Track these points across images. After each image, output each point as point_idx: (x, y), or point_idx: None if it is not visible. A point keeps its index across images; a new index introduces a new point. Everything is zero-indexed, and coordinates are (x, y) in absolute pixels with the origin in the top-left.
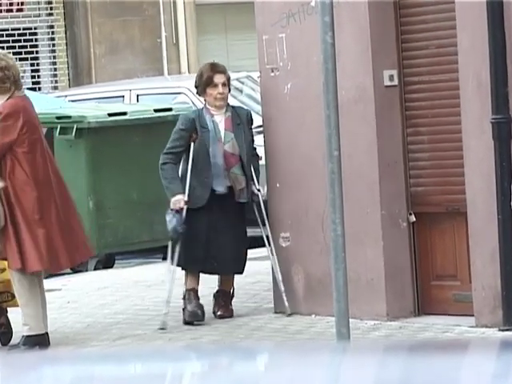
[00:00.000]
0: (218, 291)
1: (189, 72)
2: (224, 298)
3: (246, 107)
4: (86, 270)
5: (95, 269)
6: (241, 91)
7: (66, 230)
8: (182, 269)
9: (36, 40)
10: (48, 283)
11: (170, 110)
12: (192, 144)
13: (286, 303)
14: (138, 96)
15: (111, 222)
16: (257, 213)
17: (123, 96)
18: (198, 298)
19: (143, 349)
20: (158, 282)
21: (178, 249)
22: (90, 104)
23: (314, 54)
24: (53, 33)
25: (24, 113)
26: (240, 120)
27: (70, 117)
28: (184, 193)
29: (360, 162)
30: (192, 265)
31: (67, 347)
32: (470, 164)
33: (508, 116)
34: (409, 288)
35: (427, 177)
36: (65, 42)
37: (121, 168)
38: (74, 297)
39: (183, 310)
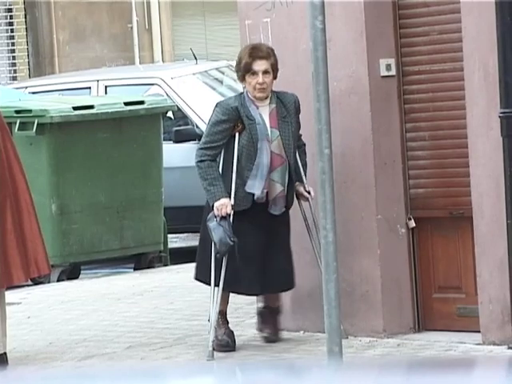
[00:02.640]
0: (264, 307)
1: (163, 61)
2: (271, 315)
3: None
4: (49, 282)
5: (58, 280)
6: (221, 82)
7: (22, 239)
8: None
9: None
10: (6, 296)
11: (142, 103)
12: (237, 136)
13: (341, 326)
14: (106, 87)
15: (76, 228)
16: (303, 217)
17: (90, 87)
18: (228, 322)
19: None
20: (128, 295)
21: (224, 264)
22: (52, 96)
23: (302, 40)
24: (11, 17)
25: None
26: (286, 111)
27: (30, 111)
28: (229, 196)
29: (354, 161)
30: (243, 287)
31: (27, 368)
32: (476, 163)
33: None
34: (408, 301)
35: (428, 177)
36: (24, 27)
37: (87, 168)
38: (35, 311)
39: (209, 332)
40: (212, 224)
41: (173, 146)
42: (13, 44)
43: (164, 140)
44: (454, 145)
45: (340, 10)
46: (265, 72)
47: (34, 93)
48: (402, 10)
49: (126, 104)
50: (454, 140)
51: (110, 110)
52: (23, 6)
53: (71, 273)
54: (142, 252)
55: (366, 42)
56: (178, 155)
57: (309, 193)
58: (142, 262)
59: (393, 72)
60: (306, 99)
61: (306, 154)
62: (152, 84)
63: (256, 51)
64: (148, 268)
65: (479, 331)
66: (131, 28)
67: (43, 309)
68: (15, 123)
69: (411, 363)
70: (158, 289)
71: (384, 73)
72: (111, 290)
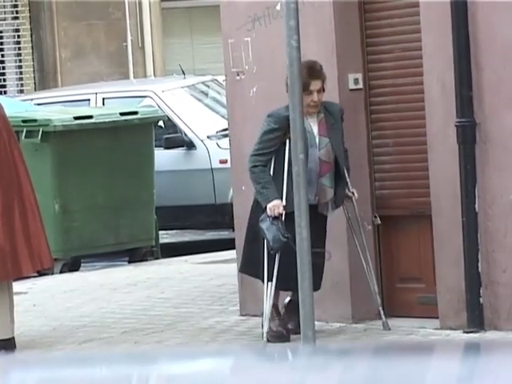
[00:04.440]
0: (290, 301)
1: (154, 75)
2: (297, 310)
3: (336, 104)
4: (52, 274)
5: (61, 272)
6: (206, 94)
7: (28, 236)
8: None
9: (1, 43)
10: (14, 286)
11: (135, 113)
12: (287, 143)
13: (383, 317)
14: (103, 99)
15: (77, 226)
16: (346, 216)
17: (89, 99)
18: (280, 314)
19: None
20: (123, 285)
21: (277, 261)
22: (55, 107)
23: (279, 57)
24: (18, 36)
25: None
26: (334, 119)
27: (35, 120)
28: (281, 198)
29: None
30: (292, 283)
31: (33, 351)
32: (435, 167)
33: (472, 119)
34: (371, 289)
35: (392, 180)
36: (30, 45)
37: (86, 171)
38: (40, 300)
39: (262, 325)
40: (265, 224)
41: (163, 152)
42: (20, 61)
43: (155, 146)
44: (415, 151)
45: (313, 30)
46: (319, 91)
47: (39, 104)
48: (369, 30)
49: (122, 114)
50: (415, 146)
51: (107, 120)
52: (29, 26)
53: (72, 265)
54: (135, 247)
55: (336, 59)
56: (168, 160)
57: (353, 193)
58: (135, 255)
59: (360, 85)
60: None
61: (348, 158)
62: (145, 96)
63: (313, 71)
64: (141, 261)
65: (438, 317)
66: (126, 46)
67: (47, 298)
68: (22, 131)
69: (377, 347)
70: (150, 280)
71: (352, 86)
72: (108, 281)
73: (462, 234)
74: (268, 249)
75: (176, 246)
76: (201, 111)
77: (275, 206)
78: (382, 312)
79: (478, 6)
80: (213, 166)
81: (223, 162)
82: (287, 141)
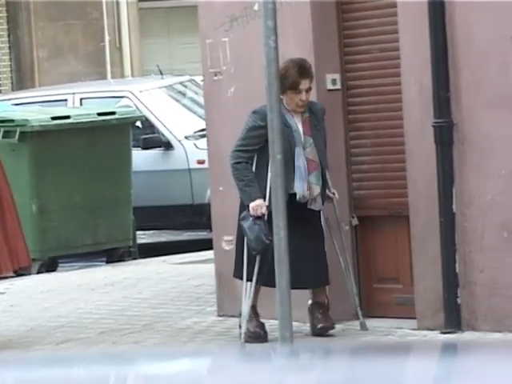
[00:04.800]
0: (312, 304)
1: (132, 76)
2: (321, 309)
3: (321, 103)
4: (30, 274)
5: (38, 272)
6: (184, 95)
7: (6, 235)
8: (247, 281)
9: None
10: None
11: (113, 113)
12: None
13: (361, 318)
14: (81, 100)
15: (54, 226)
16: (325, 216)
17: (66, 100)
18: (259, 315)
19: (88, 352)
20: (101, 286)
21: (257, 261)
22: (33, 107)
23: (257, 57)
24: None
25: None
26: (316, 119)
27: (13, 120)
28: (264, 197)
29: None
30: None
31: (11, 351)
32: (413, 168)
33: (450, 120)
34: (349, 290)
35: (370, 180)
36: (8, 45)
37: (64, 172)
38: (18, 300)
39: (240, 325)
40: (246, 223)
41: (141, 153)
42: None
43: (133, 147)
44: (393, 151)
45: (291, 30)
46: (307, 90)
47: (16, 104)
48: (347, 31)
49: (99, 114)
50: (392, 147)
51: (84, 120)
52: (7, 26)
53: (50, 266)
54: (113, 247)
55: (314, 59)
56: (145, 160)
57: (334, 194)
58: (113, 255)
59: (338, 86)
60: None
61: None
62: (122, 97)
63: (303, 70)
64: (119, 261)
65: (415, 318)
66: (103, 46)
67: (25, 298)
68: None
69: (355, 347)
70: (127, 280)
71: (330, 87)
72: (86, 281)
73: (440, 235)
74: (249, 248)
75: (154, 246)
76: (178, 111)
77: (258, 206)
78: (359, 312)
79: (456, 6)
80: (190, 167)
81: (201, 162)
82: None
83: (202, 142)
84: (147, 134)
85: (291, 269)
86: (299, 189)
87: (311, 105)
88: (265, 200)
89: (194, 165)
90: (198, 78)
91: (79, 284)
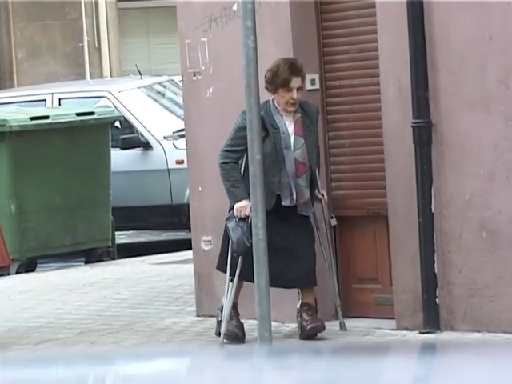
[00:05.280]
0: (301, 306)
1: (111, 76)
2: (309, 311)
3: (314, 103)
4: (8, 274)
5: (17, 272)
6: (163, 95)
7: None
8: (232, 279)
9: None
10: None
11: (92, 113)
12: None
13: (341, 318)
14: (60, 100)
15: (33, 226)
16: (313, 215)
17: (45, 100)
18: (239, 314)
19: (66, 353)
20: (79, 286)
21: (240, 260)
22: (11, 108)
23: (236, 58)
24: None
25: None
26: (309, 120)
27: None
28: (249, 198)
29: None
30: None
31: None
32: (391, 168)
33: (428, 120)
34: (329, 291)
35: (348, 180)
36: None
37: (43, 172)
38: None
39: (218, 322)
40: (231, 224)
41: (120, 153)
42: None
43: (112, 147)
44: (372, 151)
45: (270, 30)
46: (298, 88)
47: None
48: (326, 31)
49: (78, 115)
50: (371, 147)
51: (63, 120)
52: None
53: (28, 266)
54: (92, 247)
55: None
56: (124, 161)
57: (322, 195)
58: (92, 256)
59: (317, 86)
60: (238, 111)
61: (319, 161)
62: (101, 97)
63: (294, 68)
64: (97, 262)
65: (394, 318)
66: (82, 47)
67: (3, 298)
68: None
69: (334, 347)
70: (106, 280)
71: (309, 87)
72: (64, 282)
73: (418, 235)
74: (231, 249)
75: (132, 246)
76: (157, 112)
77: (242, 208)
78: (339, 313)
79: (434, 7)
80: (169, 167)
81: (180, 162)
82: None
83: (181, 142)
84: (126, 134)
85: (279, 268)
86: (285, 197)
87: (304, 105)
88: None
89: (172, 165)
90: (177, 79)
91: (58, 284)
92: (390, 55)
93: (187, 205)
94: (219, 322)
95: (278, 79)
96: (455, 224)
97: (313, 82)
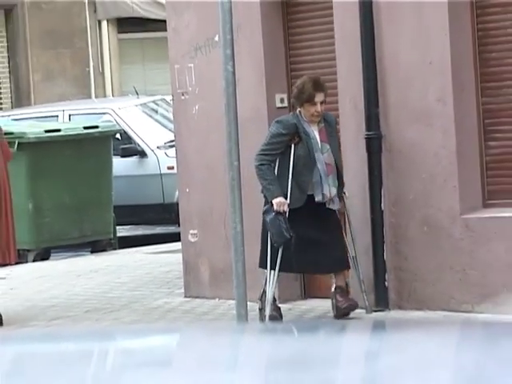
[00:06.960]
0: (335, 289)
1: (112, 95)
2: (342, 292)
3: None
4: (26, 262)
5: (34, 261)
6: (156, 111)
7: (8, 231)
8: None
9: None
10: None
11: (97, 127)
12: (293, 147)
13: (366, 302)
14: (70, 115)
15: (47, 222)
16: (346, 214)
17: (57, 115)
18: (276, 300)
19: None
20: (86, 272)
21: (280, 252)
22: (29, 122)
23: (217, 80)
24: None
25: None
26: (331, 128)
27: (12, 133)
28: (285, 196)
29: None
30: (295, 268)
31: (10, 327)
32: (348, 173)
33: (379, 132)
34: (296, 275)
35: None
36: (8, 70)
37: (55, 176)
38: (16, 284)
39: (260, 310)
40: (269, 217)
41: (120, 160)
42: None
43: (113, 155)
44: None
45: (246, 57)
46: (322, 102)
47: (15, 119)
48: (293, 58)
49: (85, 128)
50: None
51: (72, 133)
52: (7, 54)
53: (43, 255)
54: (96, 239)
55: (265, 82)
56: (124, 167)
57: (344, 193)
58: (96, 246)
59: (285, 104)
60: (220, 125)
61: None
62: (104, 113)
63: (318, 85)
64: (101, 251)
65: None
66: (88, 71)
67: (22, 282)
68: None
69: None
70: (108, 267)
71: (279, 104)
72: (73, 268)
73: (371, 229)
74: (271, 241)
75: (131, 238)
76: (151, 125)
77: (281, 203)
78: (365, 297)
79: (383, 35)
80: (161, 172)
81: (170, 168)
82: (292, 145)
83: (172, 151)
84: (125, 144)
85: (314, 257)
86: (318, 194)
87: (325, 116)
88: (286, 198)
89: (164, 170)
90: (168, 98)
91: (68, 270)
92: (346, 77)
93: (177, 204)
94: (261, 310)
95: (304, 95)
96: (401, 219)
97: (282, 100)
